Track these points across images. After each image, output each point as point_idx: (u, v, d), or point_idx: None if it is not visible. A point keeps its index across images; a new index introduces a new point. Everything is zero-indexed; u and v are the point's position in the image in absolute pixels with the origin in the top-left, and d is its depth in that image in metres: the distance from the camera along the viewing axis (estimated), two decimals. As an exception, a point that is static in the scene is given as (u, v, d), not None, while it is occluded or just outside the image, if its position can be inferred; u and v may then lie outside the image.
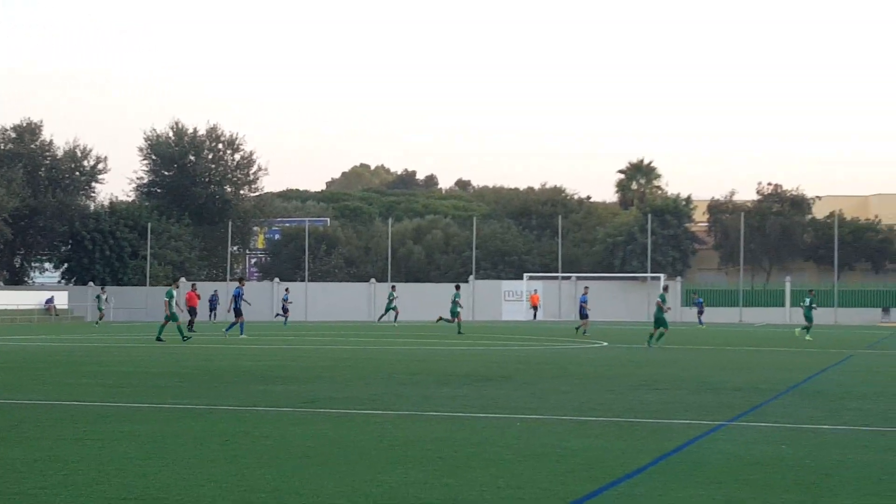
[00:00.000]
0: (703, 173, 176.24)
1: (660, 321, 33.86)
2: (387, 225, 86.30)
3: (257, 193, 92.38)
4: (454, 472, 9.87)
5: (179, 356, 28.50)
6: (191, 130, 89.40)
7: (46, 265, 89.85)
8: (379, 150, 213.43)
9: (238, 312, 41.80)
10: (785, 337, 44.65)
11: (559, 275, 79.01)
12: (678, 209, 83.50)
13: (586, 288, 47.21)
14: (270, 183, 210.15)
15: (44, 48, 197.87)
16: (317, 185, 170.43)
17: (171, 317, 36.46)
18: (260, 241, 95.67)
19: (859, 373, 23.32)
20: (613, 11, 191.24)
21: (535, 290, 76.58)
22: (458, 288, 48.72)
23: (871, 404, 16.27)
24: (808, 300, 43.71)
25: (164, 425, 13.09)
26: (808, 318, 41.75)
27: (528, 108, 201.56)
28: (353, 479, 9.44)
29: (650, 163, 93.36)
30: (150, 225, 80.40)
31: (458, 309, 45.55)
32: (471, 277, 79.45)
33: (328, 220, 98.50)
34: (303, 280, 79.80)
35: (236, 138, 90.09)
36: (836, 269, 77.43)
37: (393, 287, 61.98)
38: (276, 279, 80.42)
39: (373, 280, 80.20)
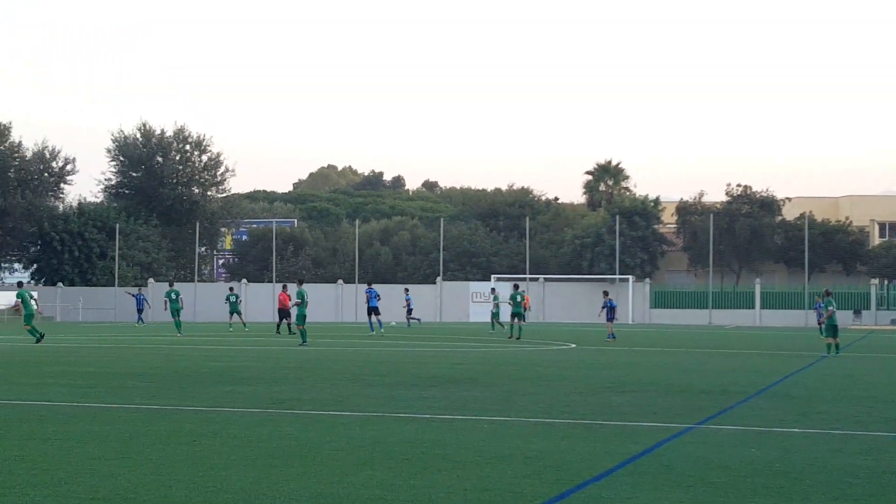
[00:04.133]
0: (672, 175, 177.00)
1: (833, 329, 32.02)
2: (354, 226, 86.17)
3: (225, 195, 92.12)
4: (421, 473, 9.90)
5: (146, 357, 28.41)
6: (158, 132, 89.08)
7: (16, 265, 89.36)
8: (346, 151, 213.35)
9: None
10: (753, 339, 44.83)
11: (527, 276, 79.06)
12: (646, 210, 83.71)
13: (606, 292, 45.81)
14: (238, 184, 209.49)
15: (11, 49, 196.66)
16: (284, 186, 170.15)
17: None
18: (228, 242, 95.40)
19: (830, 376, 23.42)
20: (582, 12, 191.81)
21: (525, 291, 76.24)
22: (516, 287, 45.22)
23: (842, 407, 16.36)
24: (822, 303, 40.81)
25: (132, 426, 13.06)
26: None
27: (496, 109, 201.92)
28: (320, 480, 9.47)
29: (618, 164, 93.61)
30: (118, 226, 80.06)
31: (521, 310, 43.17)
32: (438, 279, 79.47)
33: (295, 221, 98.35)
34: (270, 281, 79.61)
35: (203, 139, 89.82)
36: (807, 270, 77.83)
37: (406, 290, 62.48)
38: (244, 280, 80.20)
39: (340, 281, 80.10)
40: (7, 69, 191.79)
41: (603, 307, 43.33)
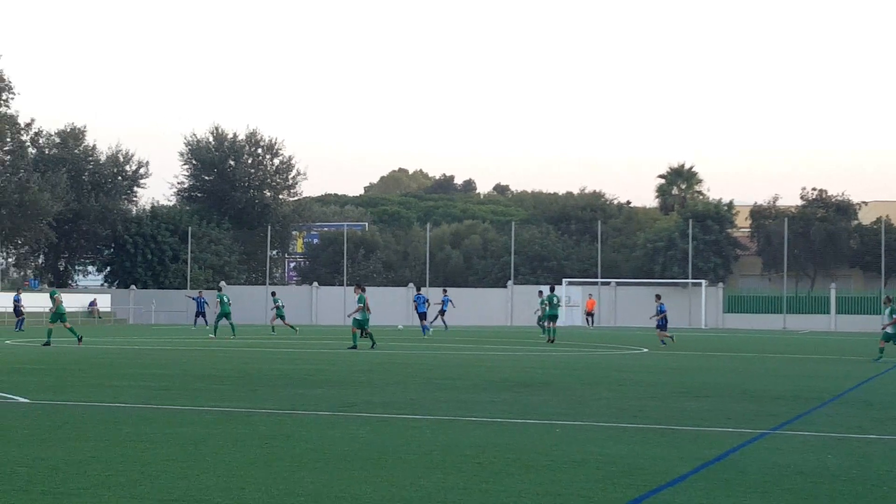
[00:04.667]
0: (746, 178, 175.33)
1: (890, 336, 31.86)
2: (425, 229, 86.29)
3: (296, 198, 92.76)
4: (493, 477, 9.85)
5: (218, 359, 28.63)
6: (231, 135, 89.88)
7: (90, 268, 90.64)
8: (417, 154, 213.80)
9: (424, 316, 49.11)
10: (828, 344, 44.22)
11: (598, 280, 78.69)
12: (720, 214, 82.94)
13: (658, 296, 44.63)
14: (309, 188, 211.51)
15: (86, 52, 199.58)
16: (355, 189, 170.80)
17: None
18: (299, 246, 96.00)
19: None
20: (656, 13, 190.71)
21: (591, 295, 75.87)
22: (552, 289, 44.55)
23: (917, 413, 16.06)
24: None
25: (205, 428, 13.14)
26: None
27: (568, 112, 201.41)
28: (392, 483, 9.44)
29: (691, 167, 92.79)
30: (190, 229, 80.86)
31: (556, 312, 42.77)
32: (509, 282, 79.33)
33: (366, 224, 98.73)
34: (341, 284, 79.95)
35: (275, 143, 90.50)
36: (884, 275, 76.69)
37: (445, 290, 61.94)
38: (315, 283, 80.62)
39: (411, 284, 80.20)
40: (82, 73, 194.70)
41: (658, 312, 41.62)
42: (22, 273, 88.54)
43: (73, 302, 72.12)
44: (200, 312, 59.32)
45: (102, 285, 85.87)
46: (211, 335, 44.55)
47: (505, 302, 77.92)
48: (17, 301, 57.05)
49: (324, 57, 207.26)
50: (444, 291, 59.73)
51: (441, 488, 9.25)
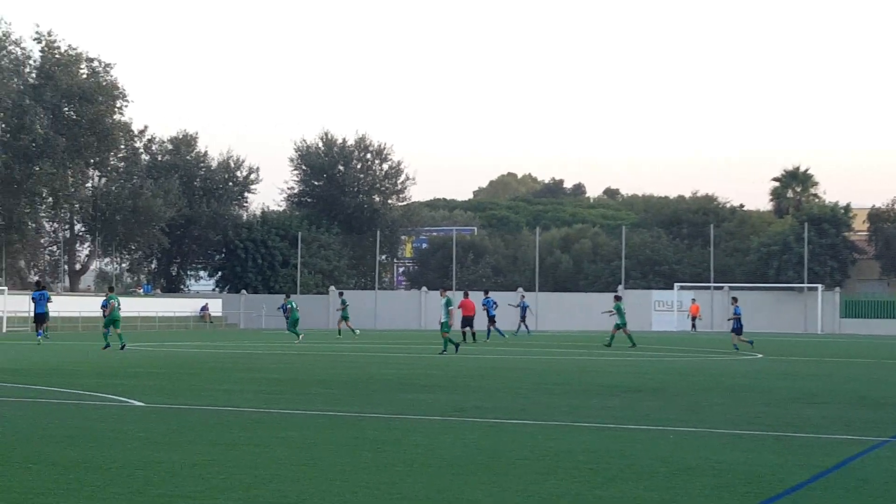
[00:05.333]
0: (863, 180, 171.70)
1: None
2: (534, 234, 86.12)
3: (405, 203, 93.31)
4: (606, 483, 9.73)
5: (327, 364, 28.85)
6: (340, 140, 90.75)
7: (201, 273, 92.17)
8: (526, 158, 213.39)
9: (492, 320, 49.35)
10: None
11: (711, 285, 77.73)
12: (836, 217, 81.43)
13: (735, 299, 43.87)
14: (418, 192, 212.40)
15: (199, 61, 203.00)
16: (464, 194, 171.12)
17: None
18: (408, 250, 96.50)
19: None
20: (770, 9, 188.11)
21: (694, 300, 74.80)
22: (618, 299, 44.37)
23: None
24: None
25: (316, 432, 13.20)
26: None
27: (680, 113, 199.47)
28: (505, 488, 9.37)
29: (806, 170, 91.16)
30: (300, 234, 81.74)
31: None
32: (620, 287, 78.77)
33: (475, 228, 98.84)
34: (450, 289, 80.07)
35: (384, 148, 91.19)
36: None
37: (522, 295, 61.58)
38: (424, 288, 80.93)
39: (520, 289, 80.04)
40: (194, 80, 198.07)
41: (735, 314, 40.68)
42: (135, 278, 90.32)
43: (184, 307, 73.55)
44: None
45: (213, 290, 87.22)
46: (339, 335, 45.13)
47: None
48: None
49: (433, 61, 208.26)
50: (522, 296, 59.52)
51: (553, 494, 9.16)
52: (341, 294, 56.78)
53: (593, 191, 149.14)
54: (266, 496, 8.94)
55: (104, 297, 39.20)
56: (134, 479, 9.61)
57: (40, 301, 42.52)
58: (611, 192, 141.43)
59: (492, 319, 49.60)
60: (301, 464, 10.58)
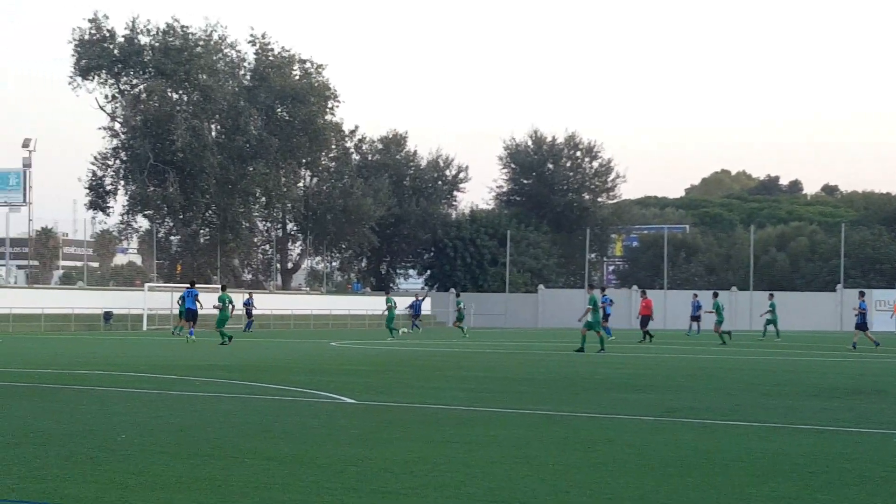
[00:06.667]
0: None
1: None
2: (748, 232, 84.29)
3: (615, 201, 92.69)
4: (826, 487, 9.40)
5: (535, 362, 28.83)
6: (549, 139, 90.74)
7: (410, 271, 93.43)
8: (740, 155, 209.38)
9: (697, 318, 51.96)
10: None
11: (935, 284, 74.76)
12: None
13: (862, 293, 41.87)
14: (628, 190, 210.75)
15: (408, 62, 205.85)
16: (676, 191, 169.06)
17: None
18: (618, 249, 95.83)
19: None
20: None
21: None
22: (715, 296, 47.31)
23: None
24: None
25: (527, 430, 13.16)
26: None
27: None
28: (720, 491, 9.15)
29: None
30: (509, 232, 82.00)
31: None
32: (838, 286, 76.44)
33: (687, 227, 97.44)
34: (661, 288, 79.07)
35: (594, 146, 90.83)
36: None
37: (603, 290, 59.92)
38: (635, 287, 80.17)
39: (734, 288, 78.45)
40: (404, 80, 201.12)
41: (860, 309, 38.42)
42: (345, 276, 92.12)
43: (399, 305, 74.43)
44: (415, 315, 59.23)
45: (423, 288, 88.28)
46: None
47: (834, 306, 75.08)
48: (248, 304, 58.48)
49: (642, 59, 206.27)
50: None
51: (771, 497, 8.89)
52: (458, 295, 57.26)
53: (810, 188, 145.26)
54: (478, 494, 8.94)
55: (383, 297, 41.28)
56: (346, 475, 9.74)
57: (188, 299, 42.72)
58: (829, 189, 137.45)
59: (606, 318, 47.52)
60: (513, 462, 10.55)
